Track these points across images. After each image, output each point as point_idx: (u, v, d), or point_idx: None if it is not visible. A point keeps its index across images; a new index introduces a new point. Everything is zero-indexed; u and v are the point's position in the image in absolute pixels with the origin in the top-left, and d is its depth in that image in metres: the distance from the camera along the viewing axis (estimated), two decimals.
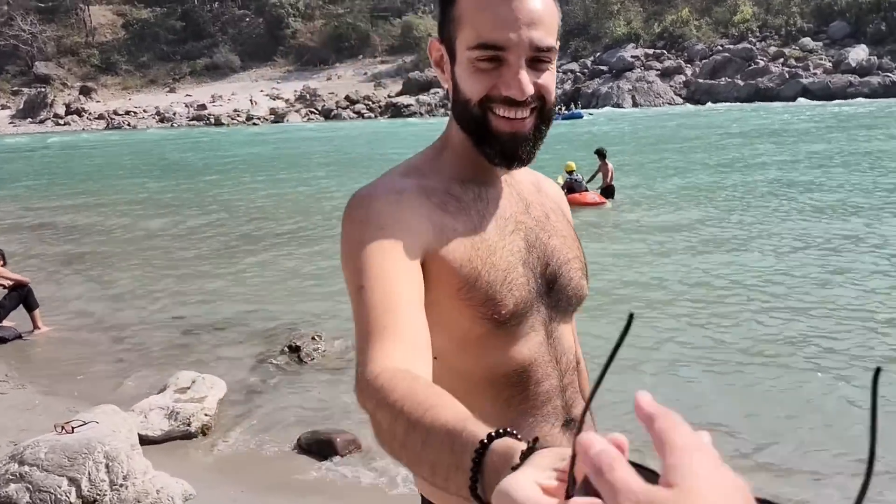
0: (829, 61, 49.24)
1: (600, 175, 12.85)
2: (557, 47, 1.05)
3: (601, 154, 12.79)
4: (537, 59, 1.03)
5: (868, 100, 43.71)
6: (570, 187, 12.14)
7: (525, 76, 1.01)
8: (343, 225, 1.03)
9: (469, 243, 1.06)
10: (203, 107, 60.84)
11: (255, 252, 9.73)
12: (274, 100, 61.43)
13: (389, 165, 1.17)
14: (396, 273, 0.95)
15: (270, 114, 58.22)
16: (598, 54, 56.21)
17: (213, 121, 57.25)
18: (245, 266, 8.92)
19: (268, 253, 9.62)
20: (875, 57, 48.28)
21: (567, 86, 53.84)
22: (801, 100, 45.69)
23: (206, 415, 4.47)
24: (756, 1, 54.99)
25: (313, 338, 5.85)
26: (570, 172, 12.52)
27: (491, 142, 1.06)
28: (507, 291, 1.06)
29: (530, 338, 1.11)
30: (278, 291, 7.64)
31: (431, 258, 1.02)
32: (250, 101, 60.93)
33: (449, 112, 1.14)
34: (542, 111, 1.06)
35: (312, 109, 58.54)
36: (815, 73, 48.50)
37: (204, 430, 4.43)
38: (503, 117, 1.03)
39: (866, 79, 46.78)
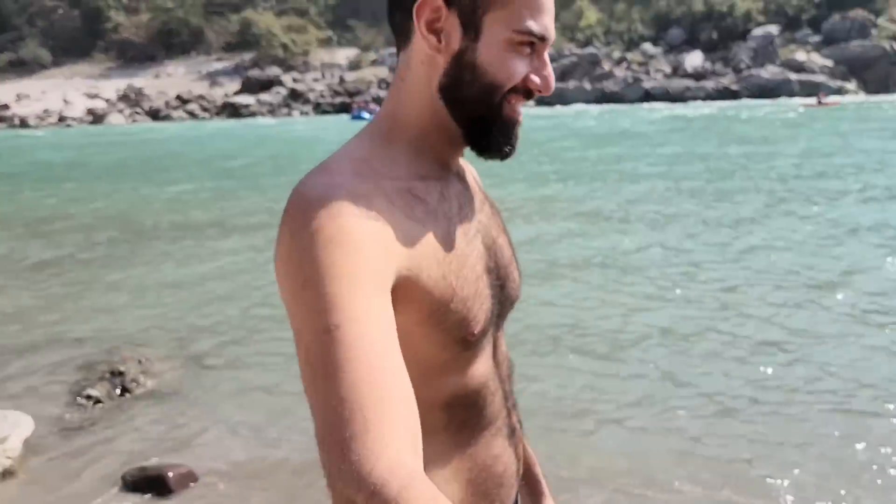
0: (669, 66, 51.36)
1: None
2: None
3: None
4: None
5: (704, 101, 46.09)
6: None
7: (552, 72, 0.92)
8: (292, 237, 0.76)
9: (441, 256, 0.87)
10: (6, 107, 53.27)
11: (63, 267, 8.62)
12: (92, 99, 54.98)
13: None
14: (379, 316, 0.73)
15: (88, 114, 52.10)
16: None
17: (18, 122, 50.40)
18: (53, 284, 7.91)
19: (79, 268, 8.56)
20: (709, 63, 50.97)
21: None
22: (654, 103, 47.17)
23: (8, 458, 3.97)
24: (600, 7, 56.57)
25: (139, 361, 5.34)
26: None
27: (501, 131, 0.91)
28: (479, 307, 0.90)
29: (485, 352, 0.96)
30: (94, 310, 6.78)
31: (402, 280, 0.81)
32: (63, 100, 54.14)
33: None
34: None
35: (138, 110, 53.00)
36: (655, 78, 50.39)
37: (6, 476, 3.91)
38: (515, 108, 0.91)
39: (702, 83, 49.23)
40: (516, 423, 1.03)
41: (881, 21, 51.06)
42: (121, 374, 5.11)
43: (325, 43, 59.48)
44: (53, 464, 4.06)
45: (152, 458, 3.98)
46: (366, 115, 41.82)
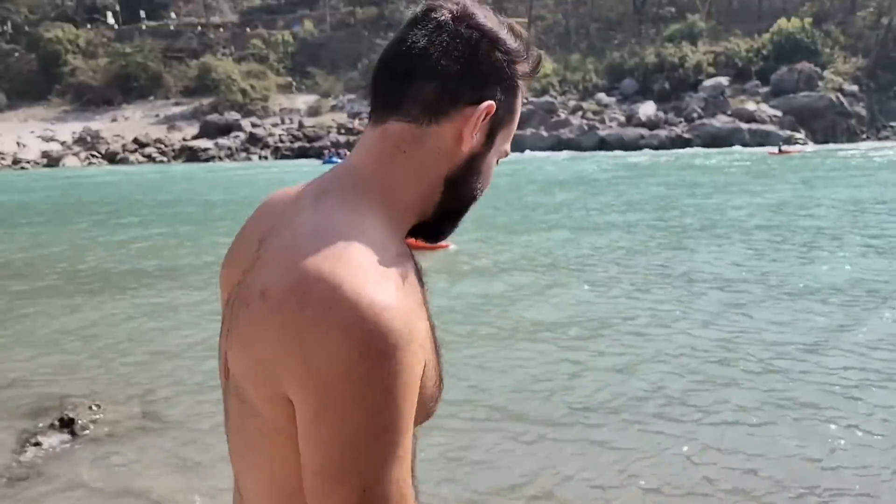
0: (623, 115, 52.39)
1: None
2: None
3: None
4: None
5: (656, 151, 46.93)
6: None
7: None
8: (359, 364, 0.73)
9: (431, 341, 0.87)
10: None
11: (10, 311, 8.49)
12: (48, 142, 54.04)
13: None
14: (410, 438, 0.79)
15: (42, 157, 51.13)
16: None
17: None
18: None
19: (20, 311, 8.42)
20: (662, 112, 52.13)
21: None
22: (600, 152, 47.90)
23: None
24: (555, 58, 57.73)
25: (90, 407, 5.28)
26: None
27: (454, 225, 1.00)
28: (437, 390, 0.91)
29: None
30: (41, 355, 6.69)
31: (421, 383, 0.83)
32: (17, 143, 53.13)
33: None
34: None
35: (94, 153, 52.21)
36: (610, 126, 51.33)
37: None
38: None
39: (655, 132, 50.24)
40: None
41: (827, 73, 52.92)
42: (71, 420, 5.05)
43: (285, 89, 59.57)
44: None
45: None
46: (336, 160, 41.89)
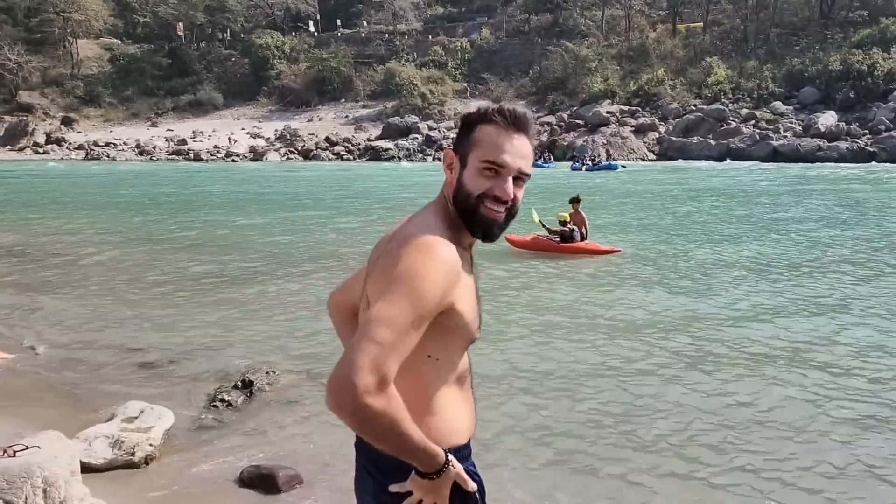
0: (800, 125, 50.60)
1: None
2: (532, 174, 1.67)
3: (576, 201, 12.69)
4: (519, 178, 1.65)
5: (836, 164, 44.78)
6: (567, 237, 12.28)
7: (511, 185, 1.62)
8: (419, 266, 1.49)
9: (471, 294, 1.65)
10: (183, 142, 60.87)
11: (216, 288, 9.73)
12: (254, 138, 61.62)
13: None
14: (421, 331, 1.50)
15: (250, 151, 58.29)
16: (575, 108, 57.29)
17: (192, 156, 57.21)
18: (204, 301, 8.92)
19: (228, 289, 9.61)
20: (843, 123, 49.74)
21: (544, 137, 54.73)
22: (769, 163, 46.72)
23: (150, 445, 4.46)
24: (729, 65, 56.56)
25: (267, 372, 5.84)
26: (565, 223, 12.37)
27: (478, 223, 1.64)
28: (476, 326, 1.70)
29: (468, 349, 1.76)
30: (236, 327, 7.63)
31: (458, 310, 1.59)
32: (229, 138, 61.02)
33: (446, 187, 1.72)
34: (511, 210, 1.67)
35: (292, 149, 58.73)
36: (785, 136, 49.74)
37: (147, 461, 4.41)
38: (490, 208, 1.62)
39: (835, 143, 48.09)
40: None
41: None
42: (251, 383, 5.60)
43: (460, 94, 63.30)
44: (186, 455, 4.54)
45: (268, 459, 4.35)
46: (542, 164, 45.05)
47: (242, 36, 75.88)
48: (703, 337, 7.21)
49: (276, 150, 58.66)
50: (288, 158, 56.97)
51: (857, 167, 41.81)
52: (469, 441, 1.73)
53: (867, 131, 49.00)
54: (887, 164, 43.45)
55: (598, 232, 13.96)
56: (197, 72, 73.22)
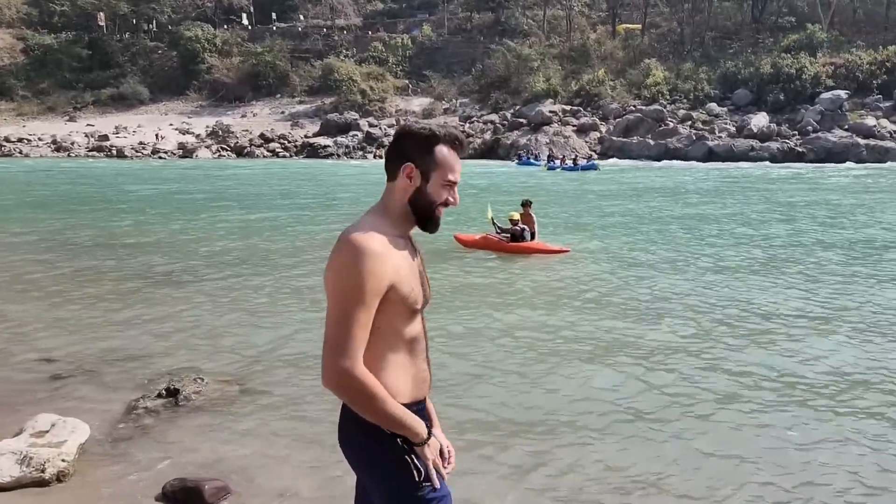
0: (734, 126, 51.83)
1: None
2: None
3: (527, 204, 12.99)
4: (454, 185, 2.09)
5: (767, 163, 46.11)
6: (517, 236, 12.46)
7: (457, 194, 2.10)
8: (350, 262, 1.87)
9: (408, 272, 2.00)
10: (105, 137, 57.61)
11: (138, 291, 9.16)
12: (184, 134, 58.96)
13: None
14: (372, 312, 1.90)
15: (179, 148, 55.76)
16: (518, 107, 57.21)
17: (114, 152, 54.12)
18: (125, 305, 8.40)
19: (152, 293, 9.07)
20: (774, 124, 51.22)
21: (487, 136, 54.36)
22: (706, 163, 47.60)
23: (63, 461, 4.16)
24: (667, 67, 57.53)
25: (195, 380, 5.61)
26: (515, 223, 12.57)
27: (432, 222, 2.07)
28: (416, 298, 2.03)
29: (419, 320, 2.11)
30: (161, 333, 7.25)
31: (394, 287, 1.94)
32: (156, 134, 58.17)
33: (403, 194, 2.07)
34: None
35: (224, 146, 56.51)
36: (720, 137, 50.90)
37: (60, 477, 4.14)
38: (441, 211, 2.07)
39: (767, 144, 49.47)
40: (429, 360, 2.16)
41: None
42: (176, 391, 5.37)
43: (402, 91, 62.30)
44: (103, 470, 4.27)
45: (193, 472, 4.16)
46: (531, 160, 45.45)
47: (170, 28, 72.66)
48: (653, 331, 7.44)
49: (207, 147, 56.35)
50: (220, 156, 54.79)
51: (787, 167, 43.31)
52: (415, 403, 2.08)
53: (796, 132, 50.64)
54: (813, 164, 45.07)
55: (550, 231, 14.27)
56: (120, 64, 69.66)
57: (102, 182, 29.64)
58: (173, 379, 5.64)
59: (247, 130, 58.76)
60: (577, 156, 46.22)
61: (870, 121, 49.89)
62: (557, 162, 44.08)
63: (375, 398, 1.85)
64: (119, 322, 7.63)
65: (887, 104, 51.08)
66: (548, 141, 52.03)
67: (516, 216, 12.56)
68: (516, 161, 47.04)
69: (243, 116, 62.06)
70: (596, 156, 49.47)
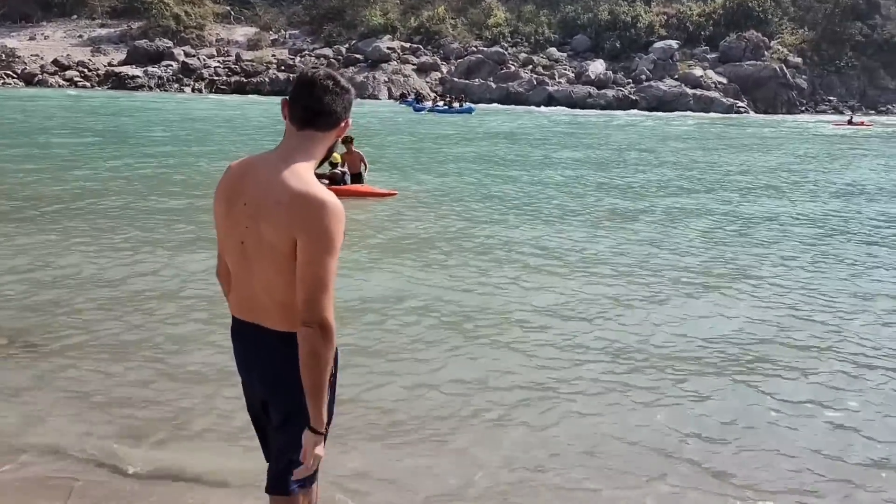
0: (573, 72, 51.54)
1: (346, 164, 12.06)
2: None
3: (348, 141, 11.79)
4: None
5: (602, 110, 46.27)
6: (337, 180, 11.47)
7: None
8: (333, 219, 1.98)
9: None
10: None
11: None
12: None
13: None
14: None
15: None
16: (354, 42, 53.38)
17: None
18: None
19: None
20: (611, 72, 51.49)
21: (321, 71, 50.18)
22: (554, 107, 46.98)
23: None
24: (508, 8, 56.05)
25: None
26: (336, 164, 11.60)
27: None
28: None
29: None
30: None
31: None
32: None
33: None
34: None
35: (10, 72, 48.17)
36: (559, 82, 50.46)
37: None
38: None
39: (603, 91, 49.68)
40: None
41: (774, 43, 53.22)
42: None
43: (223, 18, 56.09)
44: None
45: None
46: (419, 105, 41.02)
47: None
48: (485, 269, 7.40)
49: None
50: (5, 83, 46.73)
51: (623, 113, 43.92)
52: None
53: (631, 80, 51.28)
54: (646, 112, 45.86)
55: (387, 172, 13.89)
56: None
57: None
58: None
59: (37, 55, 50.42)
60: (451, 97, 43.21)
61: (697, 71, 51.44)
62: (428, 103, 40.95)
63: (333, 348, 2.03)
64: None
65: (713, 55, 52.91)
66: (386, 79, 49.05)
67: (338, 157, 11.55)
68: (406, 104, 42.82)
69: (31, 39, 53.18)
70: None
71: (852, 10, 54.17)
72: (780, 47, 53.17)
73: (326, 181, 11.26)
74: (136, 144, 18.02)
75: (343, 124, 2.08)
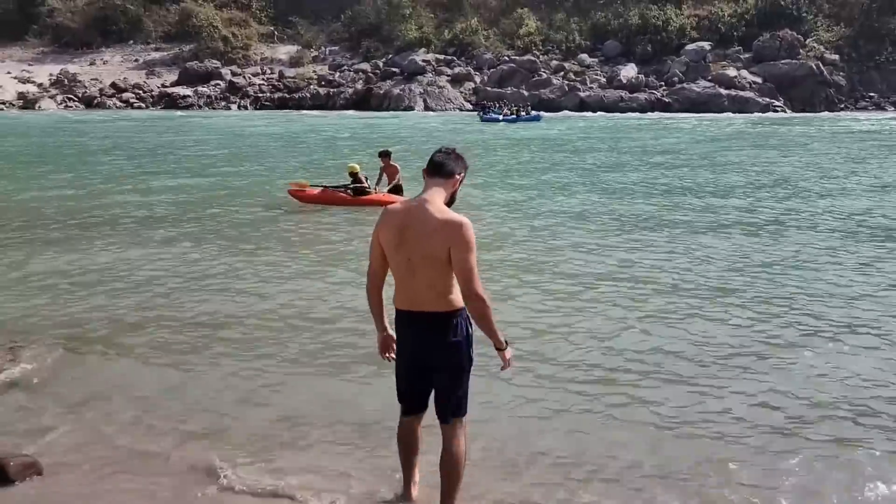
0: (604, 77, 52.33)
1: (385, 176, 12.62)
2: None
3: (385, 155, 12.54)
4: None
5: (636, 113, 46.88)
6: (360, 190, 12.18)
7: None
8: (469, 232, 3.03)
9: None
10: None
11: None
12: (24, 83, 53.28)
13: None
14: None
15: (19, 98, 50.45)
16: (390, 56, 55.32)
17: None
18: None
19: None
20: (643, 75, 52.11)
21: (359, 85, 52.29)
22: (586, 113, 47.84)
23: None
24: (539, 16, 57.18)
25: (10, 347, 5.20)
26: (355, 175, 12.31)
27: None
28: None
29: None
30: None
31: None
32: None
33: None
34: None
35: (71, 96, 51.58)
36: (591, 88, 51.31)
37: None
38: None
39: (635, 94, 50.34)
40: None
41: (809, 41, 53.01)
42: None
43: (266, 38, 58.81)
44: None
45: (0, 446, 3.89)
46: (493, 115, 41.74)
47: None
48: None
49: (51, 98, 51.33)
50: (67, 107, 50.02)
51: (656, 116, 44.19)
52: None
53: (663, 83, 51.80)
54: (680, 114, 46.19)
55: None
56: None
57: None
58: None
59: (96, 79, 53.85)
60: (520, 106, 44.49)
61: (731, 72, 51.62)
62: (499, 114, 41.63)
63: (490, 308, 3.11)
64: None
65: (747, 55, 53.00)
66: (422, 91, 50.72)
67: (356, 167, 12.40)
68: (482, 115, 43.13)
69: (92, 64, 56.74)
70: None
71: (890, 5, 53.54)
72: (815, 45, 52.93)
73: (350, 192, 12.32)
74: (207, 164, 19.34)
75: (457, 176, 3.22)
